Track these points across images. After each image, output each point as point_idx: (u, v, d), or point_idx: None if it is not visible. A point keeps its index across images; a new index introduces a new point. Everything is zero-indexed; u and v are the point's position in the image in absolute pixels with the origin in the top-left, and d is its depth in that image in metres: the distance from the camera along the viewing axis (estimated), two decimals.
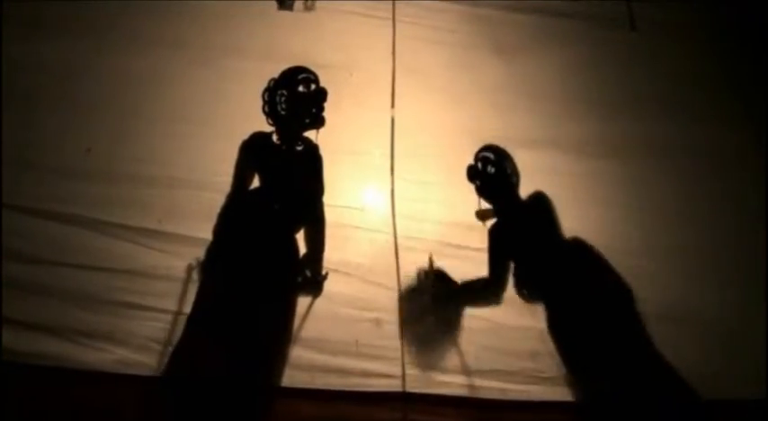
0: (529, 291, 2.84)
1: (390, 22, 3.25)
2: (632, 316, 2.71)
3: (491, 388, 2.80)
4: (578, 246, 2.83)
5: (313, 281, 2.79)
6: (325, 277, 2.81)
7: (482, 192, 2.94)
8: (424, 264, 2.90)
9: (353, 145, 3.06)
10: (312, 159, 2.88)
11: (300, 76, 2.85)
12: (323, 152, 2.90)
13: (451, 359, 2.83)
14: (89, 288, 2.73)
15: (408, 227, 2.98)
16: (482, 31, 3.37)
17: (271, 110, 2.86)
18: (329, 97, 2.84)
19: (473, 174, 2.93)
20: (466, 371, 2.82)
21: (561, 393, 2.78)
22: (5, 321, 2.62)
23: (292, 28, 3.23)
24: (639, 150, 3.26)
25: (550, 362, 2.81)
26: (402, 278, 2.90)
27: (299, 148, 2.87)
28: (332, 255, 2.87)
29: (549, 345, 2.81)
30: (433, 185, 3.10)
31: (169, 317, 2.70)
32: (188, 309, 2.71)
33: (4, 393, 2.48)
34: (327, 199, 2.92)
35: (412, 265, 2.91)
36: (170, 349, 2.63)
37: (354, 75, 3.02)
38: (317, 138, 2.88)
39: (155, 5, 3.22)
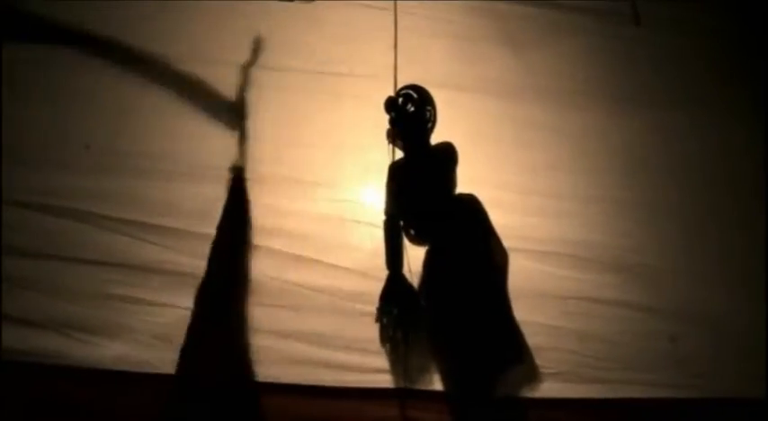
0: (416, 232, 2.83)
1: (392, 14, 3.22)
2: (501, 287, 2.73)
3: None
4: (471, 202, 2.82)
5: None
6: None
7: (395, 125, 2.90)
8: None
9: (354, 139, 3.03)
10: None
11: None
12: (323, 148, 2.91)
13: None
14: (86, 282, 2.72)
15: None
16: (485, 23, 3.33)
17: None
18: (329, 93, 2.87)
19: (390, 105, 2.89)
20: None
21: (566, 389, 2.80)
22: (3, 318, 2.61)
23: (291, 19, 3.19)
24: (645, 144, 3.24)
25: (555, 358, 2.81)
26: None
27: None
28: (332, 249, 2.86)
29: (553, 341, 2.83)
30: None
31: (167, 312, 2.70)
32: (187, 304, 2.71)
33: (3, 391, 2.48)
34: (328, 193, 2.92)
35: (413, 261, 2.89)
36: (168, 345, 2.63)
37: (355, 67, 3.00)
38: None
39: None
